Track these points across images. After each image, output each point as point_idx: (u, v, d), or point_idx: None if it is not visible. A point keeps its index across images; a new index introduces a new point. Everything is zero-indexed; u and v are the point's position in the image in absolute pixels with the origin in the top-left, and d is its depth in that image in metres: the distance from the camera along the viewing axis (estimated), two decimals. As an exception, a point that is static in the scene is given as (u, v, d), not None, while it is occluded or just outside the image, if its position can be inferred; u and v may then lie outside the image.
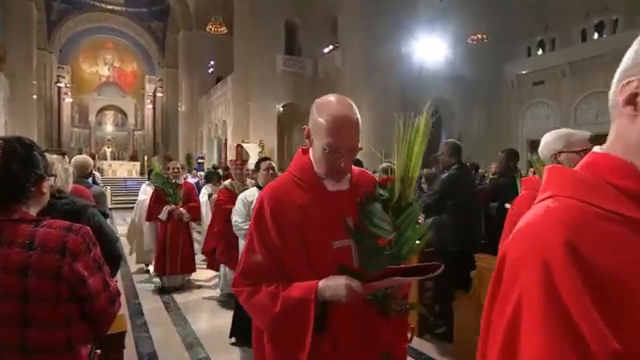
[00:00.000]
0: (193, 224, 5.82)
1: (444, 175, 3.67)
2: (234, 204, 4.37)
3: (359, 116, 1.20)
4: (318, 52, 19.29)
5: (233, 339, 3.65)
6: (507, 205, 3.20)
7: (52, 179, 1.38)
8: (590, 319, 0.49)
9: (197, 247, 5.76)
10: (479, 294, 3.05)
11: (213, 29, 19.37)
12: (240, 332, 3.50)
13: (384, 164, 5.84)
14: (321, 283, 1.13)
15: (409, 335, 1.35)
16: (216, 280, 5.79)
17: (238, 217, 3.39)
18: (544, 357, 0.50)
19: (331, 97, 1.22)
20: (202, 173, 12.79)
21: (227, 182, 4.80)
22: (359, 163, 5.84)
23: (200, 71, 26.25)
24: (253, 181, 4.84)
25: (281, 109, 18.82)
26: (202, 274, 5.79)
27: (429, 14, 16.06)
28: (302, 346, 1.13)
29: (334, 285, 1.12)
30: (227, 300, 4.77)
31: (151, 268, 5.87)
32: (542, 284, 0.52)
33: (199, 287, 5.45)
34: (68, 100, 29.83)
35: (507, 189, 3.75)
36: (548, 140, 1.89)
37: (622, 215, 0.56)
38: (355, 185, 1.30)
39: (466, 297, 3.18)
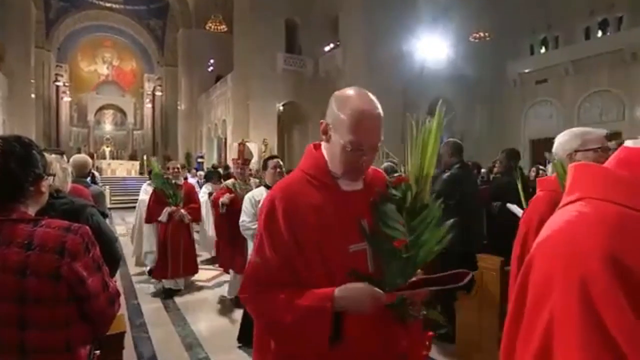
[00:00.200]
0: (193, 225, 5.78)
1: (445, 175, 3.67)
2: (232, 204, 4.36)
3: (381, 111, 1.14)
4: (319, 50, 19.28)
5: (231, 340, 3.65)
6: (509, 205, 3.21)
7: (50, 178, 1.38)
8: (637, 342, 0.43)
9: (197, 247, 5.75)
10: (481, 295, 3.05)
11: (213, 27, 19.37)
12: (249, 337, 3.48)
13: (386, 164, 5.83)
14: (338, 291, 1.06)
15: (428, 344, 1.29)
16: (216, 280, 5.80)
17: (245, 216, 3.33)
18: None
19: (352, 91, 1.16)
20: (202, 173, 12.81)
21: (229, 181, 4.71)
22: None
23: (199, 70, 26.24)
24: (257, 181, 4.84)
25: (281, 107, 18.82)
26: (202, 274, 5.80)
27: (431, 12, 16.05)
28: (317, 358, 1.08)
29: (355, 295, 1.05)
30: (227, 301, 4.77)
31: (147, 269, 5.80)
32: (580, 306, 0.46)
33: (199, 287, 5.46)
34: (66, 99, 29.85)
35: (508, 188, 3.75)
36: (563, 140, 1.84)
37: None
38: (369, 185, 1.24)
39: (468, 297, 3.18)
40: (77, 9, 27.65)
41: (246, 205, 3.36)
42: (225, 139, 21.55)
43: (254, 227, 3.17)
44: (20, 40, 20.84)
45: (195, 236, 6.92)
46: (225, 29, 19.56)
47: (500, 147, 5.36)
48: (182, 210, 4.99)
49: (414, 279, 1.11)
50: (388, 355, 1.16)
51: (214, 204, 4.63)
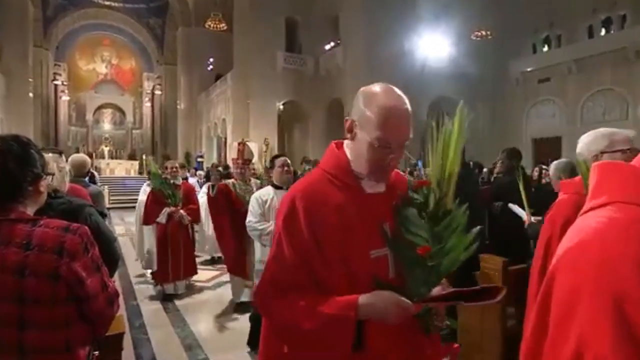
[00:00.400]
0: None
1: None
2: (230, 204, 4.28)
3: (409, 106, 1.11)
4: (319, 49, 19.28)
5: (231, 341, 3.66)
6: (510, 206, 3.21)
7: (49, 177, 1.38)
8: None
9: (196, 248, 5.74)
10: (483, 295, 3.05)
11: (212, 25, 19.38)
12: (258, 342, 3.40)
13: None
14: (362, 299, 1.02)
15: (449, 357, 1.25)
16: (216, 280, 5.80)
17: (252, 217, 3.24)
18: None
19: (379, 87, 1.13)
20: (202, 172, 12.82)
21: (230, 181, 4.62)
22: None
23: (199, 68, 26.26)
24: (258, 182, 4.77)
25: (282, 107, 18.83)
26: (202, 274, 5.80)
27: (432, 10, 16.03)
28: None
29: (381, 304, 1.02)
30: (226, 301, 4.77)
31: (148, 272, 5.73)
32: (613, 319, 0.43)
33: (199, 288, 5.45)
34: (65, 98, 29.87)
35: (510, 188, 3.75)
36: (588, 141, 1.77)
37: None
38: (391, 188, 1.20)
39: (470, 298, 3.18)
40: (75, 7, 27.66)
41: (253, 205, 3.29)
42: (225, 138, 21.56)
43: (260, 227, 3.14)
44: (17, 39, 20.86)
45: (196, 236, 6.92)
46: (225, 28, 19.57)
47: (502, 146, 5.35)
48: (182, 211, 4.91)
49: (445, 291, 1.07)
50: None
51: (209, 199, 4.49)
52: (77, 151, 22.71)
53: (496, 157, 5.17)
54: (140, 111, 33.09)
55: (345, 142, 1.21)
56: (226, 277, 5.27)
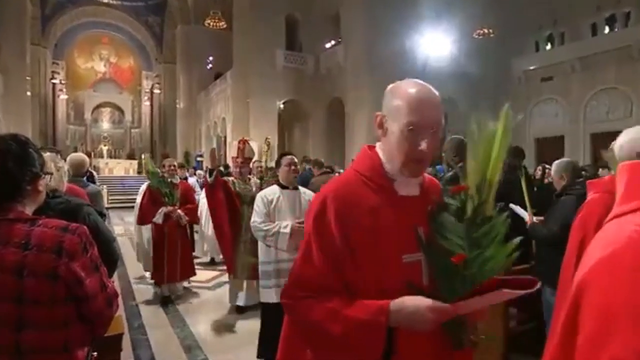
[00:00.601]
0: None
1: (449, 174, 3.66)
2: (228, 197, 4.26)
3: (438, 95, 1.12)
4: (319, 47, 19.28)
5: (231, 342, 3.66)
6: (512, 206, 3.19)
7: (48, 177, 1.39)
8: None
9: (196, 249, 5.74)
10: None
11: (212, 23, 19.37)
12: (271, 350, 3.33)
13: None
14: (393, 304, 0.99)
15: None
16: (215, 281, 5.81)
17: (257, 217, 3.17)
18: None
19: (407, 80, 1.16)
20: (201, 172, 12.81)
21: (230, 179, 4.57)
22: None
23: (198, 67, 26.27)
24: (257, 181, 4.75)
25: (282, 105, 18.83)
26: (202, 275, 5.80)
27: (434, 8, 16.01)
28: None
29: (414, 309, 0.98)
30: (226, 301, 4.77)
31: (147, 273, 5.66)
32: None
33: (198, 288, 5.46)
34: (63, 96, 29.89)
35: (512, 188, 3.74)
36: (631, 138, 1.59)
37: None
38: (426, 192, 1.18)
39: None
40: (73, 4, 27.68)
41: (258, 204, 3.21)
42: (225, 137, 21.57)
43: (265, 228, 3.09)
44: (15, 37, 20.85)
45: (195, 236, 6.92)
46: (225, 26, 19.56)
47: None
48: (179, 211, 4.84)
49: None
50: None
51: (206, 186, 4.36)
52: (76, 150, 22.70)
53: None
54: (139, 110, 33.12)
55: (377, 144, 1.20)
56: (226, 277, 5.27)
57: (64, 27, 28.84)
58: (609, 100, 15.11)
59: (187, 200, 5.11)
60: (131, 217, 9.35)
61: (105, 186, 16.71)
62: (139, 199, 5.48)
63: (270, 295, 3.14)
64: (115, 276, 3.99)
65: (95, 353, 1.73)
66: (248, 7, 18.33)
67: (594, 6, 15.96)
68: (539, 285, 0.94)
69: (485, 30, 16.01)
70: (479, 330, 1.11)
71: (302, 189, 3.37)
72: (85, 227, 1.32)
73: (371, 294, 1.04)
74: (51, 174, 1.50)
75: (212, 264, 6.71)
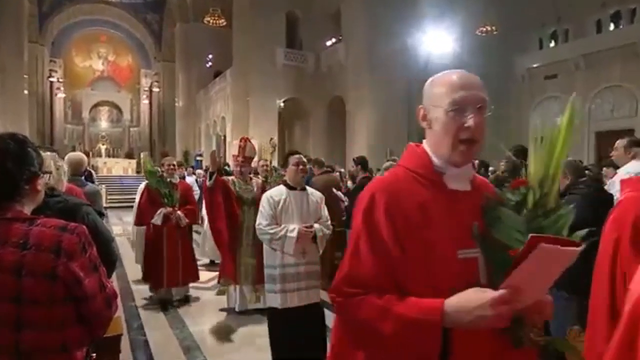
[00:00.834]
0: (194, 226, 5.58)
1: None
2: (227, 201, 4.20)
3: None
4: (320, 45, 19.28)
5: (231, 343, 3.66)
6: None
7: (46, 176, 1.39)
8: None
9: (196, 251, 5.66)
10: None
11: (211, 21, 19.36)
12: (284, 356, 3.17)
13: (388, 163, 5.82)
14: (448, 303, 0.95)
15: None
16: (215, 282, 5.81)
17: (263, 219, 3.08)
18: None
19: (444, 71, 1.16)
20: (201, 171, 12.81)
21: (230, 178, 4.47)
22: (364, 162, 5.84)
23: (198, 65, 26.26)
24: (259, 181, 4.66)
25: (282, 104, 18.83)
26: (201, 275, 5.80)
27: (435, 5, 16.00)
28: None
29: (470, 306, 0.92)
30: (226, 302, 4.77)
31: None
32: None
33: (198, 289, 5.46)
34: (61, 95, 29.89)
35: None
36: None
37: None
38: (477, 188, 1.16)
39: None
40: (71, 2, 27.68)
41: (264, 205, 3.11)
42: (225, 136, 21.58)
43: (272, 231, 3.01)
44: (12, 34, 20.86)
45: (197, 237, 6.89)
46: (224, 23, 19.56)
47: (507, 144, 5.33)
48: (179, 212, 4.71)
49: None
50: None
51: (205, 189, 4.28)
52: (74, 150, 22.69)
53: (501, 155, 5.15)
54: (138, 109, 33.12)
55: (424, 141, 1.20)
56: (225, 278, 5.28)
57: (61, 25, 28.84)
58: (613, 98, 15.08)
59: (187, 200, 4.98)
60: (130, 217, 9.37)
61: (103, 186, 16.73)
62: (137, 198, 5.38)
63: (275, 300, 3.08)
64: (114, 276, 4.00)
65: (94, 354, 1.74)
66: (248, 4, 18.33)
67: (599, 3, 15.92)
68: (582, 246, 0.89)
69: (488, 28, 15.99)
70: (541, 331, 1.05)
71: (309, 189, 3.29)
72: (84, 226, 1.32)
73: (424, 292, 1.00)
74: (50, 172, 1.51)
75: (212, 264, 6.72)
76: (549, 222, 0.98)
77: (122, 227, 11.74)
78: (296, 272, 3.06)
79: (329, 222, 3.28)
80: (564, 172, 3.07)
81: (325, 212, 3.29)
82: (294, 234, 2.97)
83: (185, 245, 4.91)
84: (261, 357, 3.48)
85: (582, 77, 15.93)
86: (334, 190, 5.62)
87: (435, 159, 1.14)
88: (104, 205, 10.19)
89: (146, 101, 32.78)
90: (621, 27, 15.64)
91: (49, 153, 2.02)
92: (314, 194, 3.26)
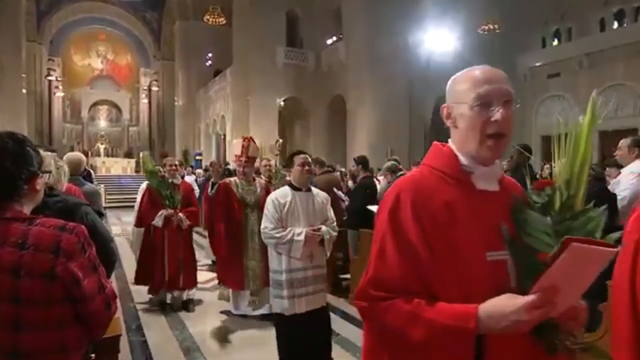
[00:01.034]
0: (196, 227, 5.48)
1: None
2: (228, 207, 4.17)
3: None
4: (321, 43, 19.28)
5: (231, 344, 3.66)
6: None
7: (46, 175, 1.39)
8: None
9: (200, 253, 5.63)
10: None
11: (211, 19, 19.39)
12: None
13: (389, 163, 5.82)
14: (483, 309, 0.91)
15: None
16: (215, 282, 5.81)
17: (268, 222, 2.98)
18: None
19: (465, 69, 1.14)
20: (200, 170, 12.83)
21: (232, 179, 4.39)
22: (365, 161, 5.84)
23: (197, 64, 26.28)
24: (262, 182, 4.58)
25: (282, 103, 18.84)
26: (201, 276, 5.80)
27: (437, 3, 15.99)
28: None
29: (506, 311, 0.89)
30: (226, 303, 4.76)
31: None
32: None
33: (198, 289, 5.44)
34: (59, 94, 29.92)
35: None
36: None
37: None
38: (505, 188, 1.14)
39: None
40: (69, 0, 27.70)
41: (269, 208, 3.01)
42: (225, 135, 21.59)
43: (278, 235, 2.92)
44: (10, 33, 20.85)
45: (201, 240, 6.85)
46: (224, 22, 19.58)
47: (509, 144, 5.35)
48: (180, 214, 4.59)
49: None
50: None
51: (207, 198, 4.29)
52: (72, 149, 22.75)
53: (504, 154, 5.14)
54: (137, 108, 33.15)
55: (449, 140, 1.17)
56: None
57: (59, 23, 28.85)
58: (617, 97, 15.06)
59: (190, 202, 4.85)
60: (128, 217, 9.37)
61: (102, 185, 16.74)
62: (138, 198, 5.25)
63: (282, 306, 2.97)
64: (113, 277, 4.00)
65: (92, 355, 1.74)
66: (248, 2, 18.33)
67: (602, 1, 15.93)
68: (618, 249, 0.86)
69: (490, 26, 15.99)
70: (577, 338, 1.00)
71: (314, 190, 3.21)
72: (83, 226, 1.32)
73: (453, 295, 0.98)
74: (50, 172, 1.51)
75: (214, 264, 6.71)
76: (579, 224, 0.94)
77: (121, 227, 11.75)
78: (304, 276, 2.98)
79: (335, 223, 3.21)
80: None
81: (331, 213, 3.22)
82: (301, 237, 2.89)
83: (187, 249, 4.79)
84: (261, 358, 3.48)
85: (585, 75, 15.92)
86: (335, 189, 5.62)
87: (462, 158, 1.11)
88: (103, 205, 10.17)
89: (145, 100, 32.81)
90: (625, 25, 15.63)
91: (50, 153, 2.02)
92: (320, 195, 3.19)
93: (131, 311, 4.67)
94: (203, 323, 4.39)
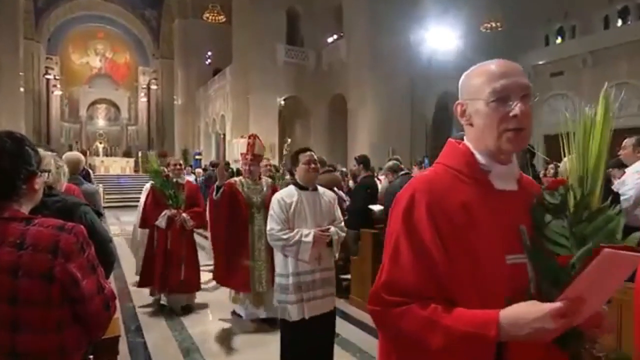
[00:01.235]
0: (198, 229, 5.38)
1: None
2: (232, 210, 4.11)
3: None
4: (321, 42, 19.28)
5: (230, 345, 3.66)
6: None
7: (45, 175, 1.39)
8: None
9: (204, 254, 5.62)
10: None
11: (211, 17, 19.37)
12: None
13: (390, 162, 5.81)
14: (504, 315, 0.88)
15: None
16: (214, 283, 5.80)
17: (275, 224, 2.88)
18: None
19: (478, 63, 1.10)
20: (200, 170, 12.85)
21: (238, 178, 4.34)
22: (366, 161, 5.83)
23: (197, 62, 26.29)
24: (269, 181, 4.51)
25: (282, 102, 18.84)
26: (201, 276, 5.80)
27: (439, 1, 15.99)
28: None
29: (529, 316, 0.86)
30: (225, 303, 4.77)
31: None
32: None
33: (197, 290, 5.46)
34: (57, 93, 29.93)
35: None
36: None
37: None
38: (524, 187, 1.10)
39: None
40: (67, -2, 27.71)
41: (274, 209, 2.91)
42: (224, 134, 21.59)
43: (285, 237, 2.82)
44: (7, 31, 20.85)
45: (204, 241, 6.82)
46: (224, 20, 19.56)
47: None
48: (184, 215, 4.54)
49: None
50: None
51: (212, 202, 4.14)
52: (71, 148, 22.78)
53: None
54: (136, 107, 33.16)
55: (464, 138, 1.13)
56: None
57: (57, 21, 28.86)
58: (621, 95, 15.05)
59: (195, 202, 4.77)
60: (127, 217, 9.37)
61: (101, 185, 16.75)
62: (142, 198, 5.16)
63: (287, 312, 2.87)
64: (111, 277, 4.00)
65: (91, 356, 1.74)
66: (248, 0, 18.33)
67: (606, -2, 15.91)
68: None
69: (493, 24, 15.98)
70: (603, 347, 0.97)
71: (321, 189, 3.11)
72: (82, 226, 1.32)
73: (471, 299, 0.95)
74: (49, 171, 1.51)
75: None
76: (597, 225, 0.91)
77: (119, 227, 11.75)
78: (312, 279, 2.89)
79: (343, 223, 3.13)
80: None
81: (338, 212, 3.13)
82: (310, 238, 2.79)
83: (189, 250, 4.70)
84: (262, 359, 3.49)
85: (589, 74, 15.90)
86: (336, 189, 5.62)
87: (479, 157, 1.07)
88: (102, 204, 10.15)
89: (144, 99, 32.81)
90: (629, 23, 15.62)
91: (49, 153, 2.03)
92: (326, 194, 3.09)
93: (130, 312, 4.67)
94: (203, 324, 4.39)
